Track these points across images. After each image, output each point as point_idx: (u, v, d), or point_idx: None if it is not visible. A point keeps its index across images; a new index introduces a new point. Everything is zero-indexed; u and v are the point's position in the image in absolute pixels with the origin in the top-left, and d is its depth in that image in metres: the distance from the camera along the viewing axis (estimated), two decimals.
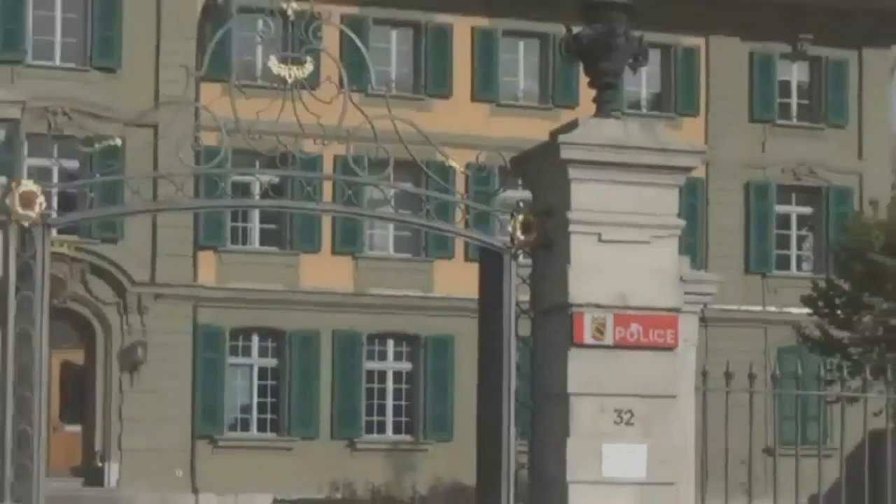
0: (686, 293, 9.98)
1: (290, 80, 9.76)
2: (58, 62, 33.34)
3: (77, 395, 32.95)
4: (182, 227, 32.77)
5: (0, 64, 30.87)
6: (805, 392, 13.02)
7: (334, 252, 34.67)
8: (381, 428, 34.94)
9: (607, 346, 9.56)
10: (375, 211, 13.86)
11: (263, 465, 32.89)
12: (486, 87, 35.60)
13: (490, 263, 10.21)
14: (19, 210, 8.99)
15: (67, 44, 33.58)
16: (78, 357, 32.91)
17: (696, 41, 36.66)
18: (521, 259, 9.94)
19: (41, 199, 9.13)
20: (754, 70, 37.27)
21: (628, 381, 9.66)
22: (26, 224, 9.05)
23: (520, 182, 10.80)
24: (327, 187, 12.63)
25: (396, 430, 34.97)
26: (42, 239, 9.24)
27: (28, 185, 9.17)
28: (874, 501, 11.54)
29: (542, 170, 10.10)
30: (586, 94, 10.64)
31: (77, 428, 33.01)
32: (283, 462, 33.10)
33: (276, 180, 11.76)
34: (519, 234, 9.87)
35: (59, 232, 9.53)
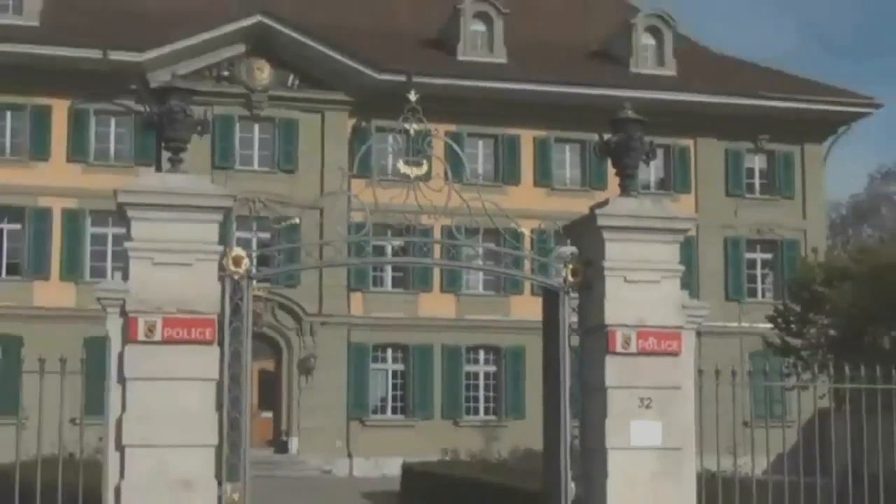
0: (687, 316, 9.92)
1: (412, 177, 9.88)
2: (256, 167, 33.84)
3: (270, 391, 33.12)
4: (339, 276, 32.94)
5: (218, 170, 31.37)
6: (771, 383, 12.88)
7: (442, 291, 34.75)
8: (476, 411, 34.89)
9: (633, 354, 9.56)
10: (470, 263, 13.95)
11: (395, 438, 32.90)
12: (543, 177, 35.66)
13: (550, 298, 10.27)
14: (231, 268, 9.16)
15: (262, 155, 34.07)
16: (270, 365, 33.15)
17: (688, 142, 36.56)
18: (571, 294, 9.92)
19: (246, 260, 9.29)
20: (728, 161, 37.08)
21: (647, 378, 9.64)
22: (236, 277, 9.21)
23: (569, 241, 10.81)
24: (437, 248, 12.66)
25: (486, 412, 34.93)
26: (247, 287, 9.39)
27: (237, 251, 9.34)
28: (822, 459, 11.35)
29: (585, 233, 10.15)
30: (613, 180, 10.66)
31: (270, 414, 33.24)
32: (409, 435, 33.09)
33: (402, 244, 11.84)
34: (570, 277, 9.94)
35: (258, 282, 9.61)
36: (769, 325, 28.17)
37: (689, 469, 9.90)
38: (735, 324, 32.22)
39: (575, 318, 9.92)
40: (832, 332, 25.07)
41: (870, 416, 10.70)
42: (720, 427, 10.01)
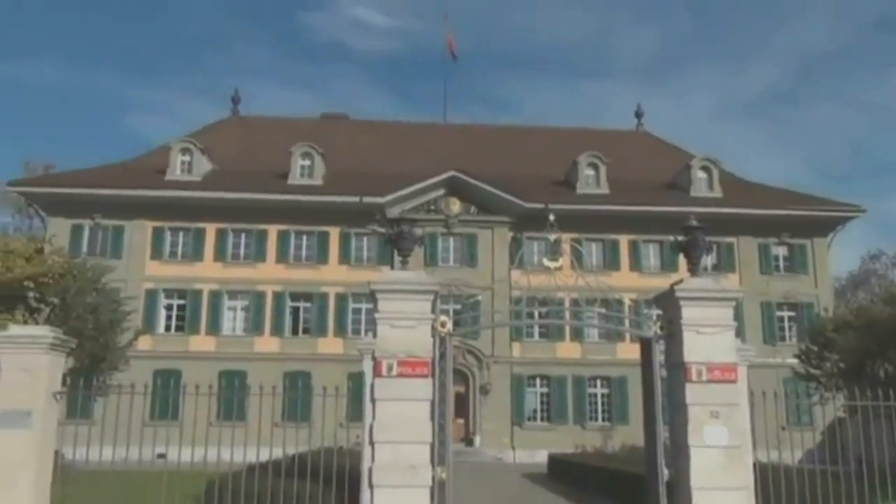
0: (740, 355, 9.37)
1: (551, 268, 9.72)
2: (451, 264, 34.11)
3: (461, 406, 32.88)
4: (505, 332, 32.73)
5: (428, 266, 31.79)
6: (799, 401, 12.02)
7: (571, 340, 33.97)
8: (596, 419, 33.62)
9: (704, 382, 9.08)
10: (589, 322, 13.68)
11: (543, 436, 32.10)
12: (636, 264, 34.78)
13: (646, 344, 9.88)
14: (439, 328, 9.17)
15: (455, 256, 34.36)
16: (462, 389, 32.91)
17: (732, 240, 35.11)
18: (660, 342, 9.51)
19: (448, 323, 9.27)
20: (760, 251, 35.40)
21: (715, 398, 9.11)
22: (442, 334, 9.20)
23: (655, 306, 10.44)
24: (567, 313, 12.49)
25: (602, 420, 33.60)
26: (448, 340, 9.35)
27: (442, 318, 9.35)
28: (842, 452, 10.49)
29: (668, 301, 9.74)
30: (682, 265, 10.32)
31: (462, 420, 32.93)
32: (551, 435, 32.20)
33: (545, 311, 11.63)
34: (658, 330, 9.51)
35: (455, 336, 9.62)
36: (795, 361, 26.53)
37: (747, 460, 9.31)
38: (771, 360, 30.31)
39: (663, 358, 9.55)
40: (841, 364, 23.49)
41: (874, 423, 10.03)
42: (767, 430, 9.41)
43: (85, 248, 32.58)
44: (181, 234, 34.04)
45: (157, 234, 33.80)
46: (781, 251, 35.57)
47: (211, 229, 33.91)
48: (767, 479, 9.65)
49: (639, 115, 44.02)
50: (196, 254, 33.74)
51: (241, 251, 34.12)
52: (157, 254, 33.64)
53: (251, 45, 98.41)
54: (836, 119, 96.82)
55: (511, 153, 38.65)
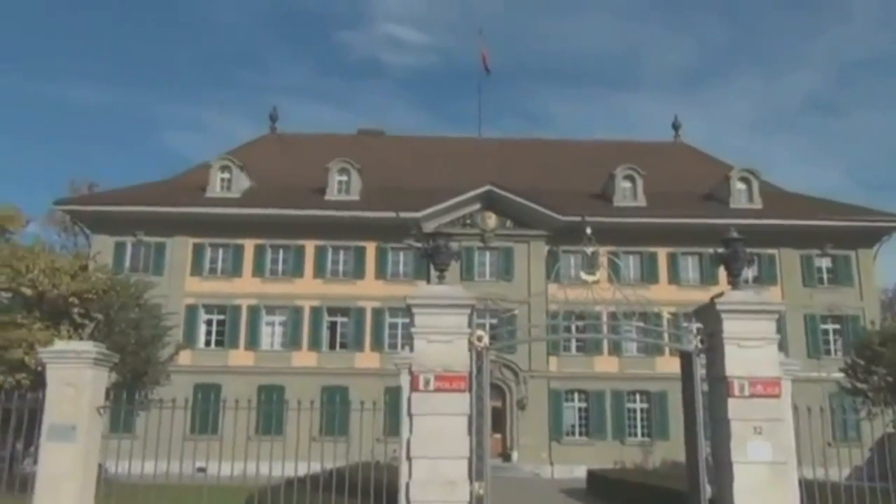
0: (783, 369, 9.17)
1: (589, 281, 9.64)
2: (487, 278, 33.93)
3: (498, 421, 32.58)
4: (542, 346, 32.49)
5: (464, 280, 31.73)
6: (845, 416, 11.73)
7: (609, 354, 33.56)
8: (635, 434, 33.05)
9: (747, 396, 8.92)
10: (628, 335, 13.48)
11: (581, 452, 31.72)
12: (674, 277, 34.28)
13: (686, 358, 9.73)
14: (476, 342, 9.14)
15: (491, 270, 34.24)
16: (498, 404, 32.59)
17: (773, 252, 34.42)
18: (701, 356, 9.35)
19: (485, 337, 9.23)
20: (803, 263, 34.67)
21: (758, 413, 8.93)
22: (479, 348, 9.17)
23: (695, 319, 10.31)
24: (605, 326, 12.28)
25: (642, 435, 33.00)
26: (485, 354, 9.31)
27: (479, 332, 9.32)
28: (891, 468, 10.17)
29: (708, 314, 9.58)
30: (722, 277, 10.14)
31: (499, 436, 32.61)
32: (590, 450, 31.79)
33: (582, 325, 11.53)
34: (699, 344, 9.36)
35: (492, 350, 9.57)
36: (841, 375, 25.86)
37: (792, 476, 9.08)
38: (816, 374, 29.59)
39: (704, 372, 9.39)
40: (889, 378, 22.87)
41: None
42: (813, 446, 9.18)
43: (127, 264, 33.22)
44: (220, 250, 34.53)
45: (198, 251, 34.34)
46: (825, 263, 34.79)
47: (249, 245, 34.35)
48: (814, 496, 9.40)
49: (676, 126, 43.58)
50: (235, 269, 34.20)
51: (279, 267, 34.46)
52: (197, 270, 34.17)
53: (287, 62, 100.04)
54: (878, 126, 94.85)
55: (546, 166, 38.54)
